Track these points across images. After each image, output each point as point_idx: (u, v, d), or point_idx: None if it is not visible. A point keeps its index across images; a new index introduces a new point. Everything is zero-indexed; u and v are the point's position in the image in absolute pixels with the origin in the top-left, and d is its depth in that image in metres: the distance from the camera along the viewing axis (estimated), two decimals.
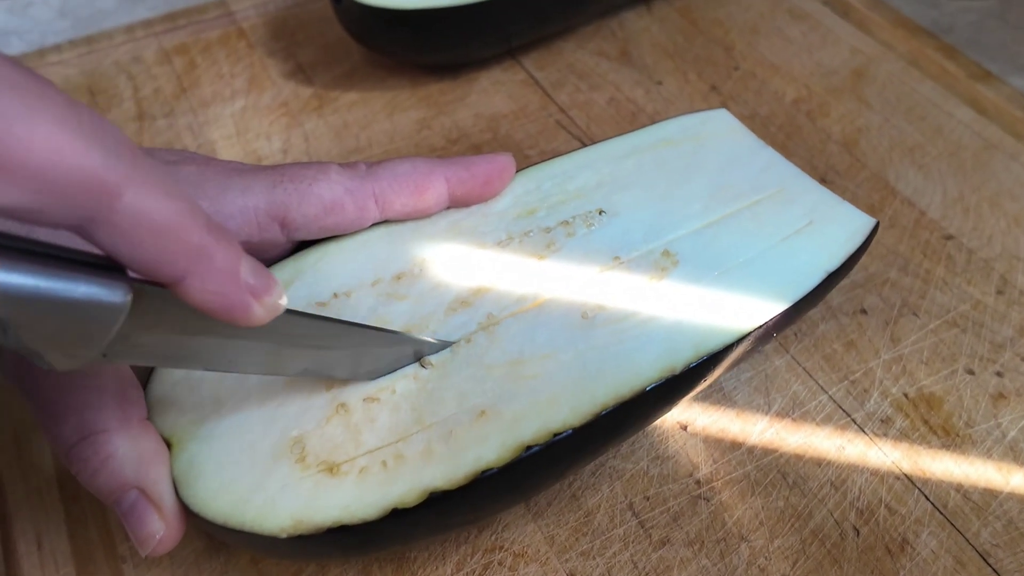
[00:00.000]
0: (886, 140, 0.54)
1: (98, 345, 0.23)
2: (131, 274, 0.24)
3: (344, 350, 0.32)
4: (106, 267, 0.23)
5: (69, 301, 0.22)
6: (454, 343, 0.35)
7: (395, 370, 0.34)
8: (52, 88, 0.21)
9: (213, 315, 0.25)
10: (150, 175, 0.22)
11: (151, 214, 0.22)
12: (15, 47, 0.67)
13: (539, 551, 0.36)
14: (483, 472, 0.31)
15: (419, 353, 0.34)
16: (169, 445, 0.32)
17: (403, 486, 0.30)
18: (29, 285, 0.21)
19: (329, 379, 0.34)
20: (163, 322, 0.25)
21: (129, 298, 0.23)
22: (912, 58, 0.60)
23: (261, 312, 0.25)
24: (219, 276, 0.24)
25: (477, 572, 0.36)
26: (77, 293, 0.22)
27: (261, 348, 0.29)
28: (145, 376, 0.34)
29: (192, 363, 0.28)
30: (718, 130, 0.44)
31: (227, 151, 0.54)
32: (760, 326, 0.36)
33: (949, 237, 0.48)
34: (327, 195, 0.35)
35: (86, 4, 0.71)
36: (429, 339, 0.34)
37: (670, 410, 0.38)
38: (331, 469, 0.31)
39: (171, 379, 0.34)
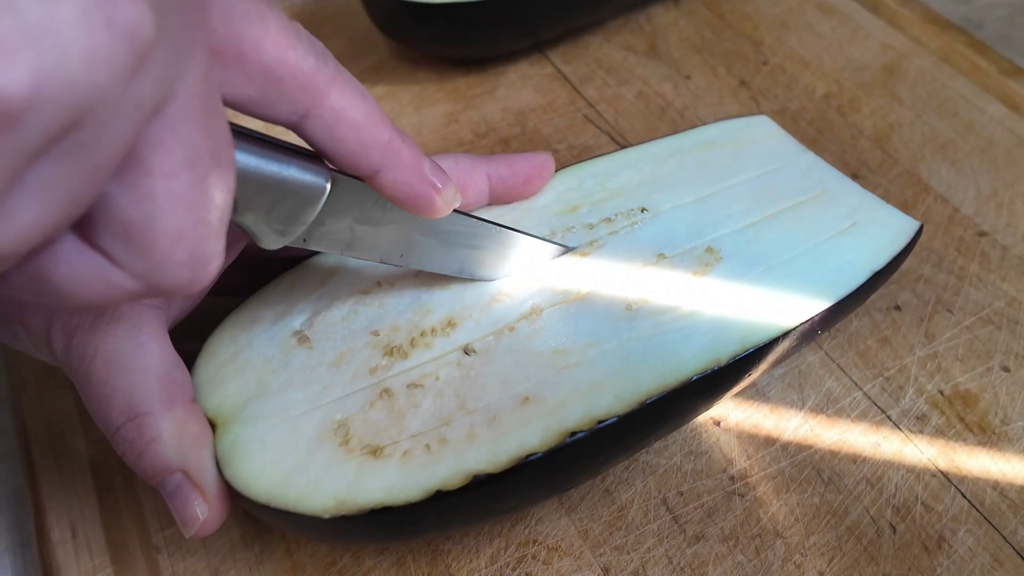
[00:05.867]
0: (918, 136, 0.54)
1: (304, 222, 0.28)
2: (329, 166, 0.28)
3: (490, 250, 0.36)
4: (310, 156, 0.28)
5: (282, 180, 0.27)
6: (574, 248, 0.38)
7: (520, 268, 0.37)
8: (271, 2, 0.25)
9: (402, 205, 0.30)
10: (347, 78, 0.27)
11: (350, 111, 0.27)
12: None
13: (573, 545, 0.36)
14: (527, 457, 0.31)
15: (542, 255, 0.38)
16: (214, 426, 0.32)
17: (446, 469, 0.30)
18: (253, 164, 0.26)
19: (473, 279, 0.37)
20: (350, 211, 0.30)
21: (329, 183, 0.28)
22: (943, 54, 0.59)
23: (441, 204, 0.30)
24: (407, 170, 0.29)
25: (511, 565, 0.36)
26: (288, 174, 0.27)
27: (428, 243, 0.34)
28: (191, 358, 0.34)
29: (370, 254, 0.33)
30: (759, 135, 0.44)
31: None
32: (806, 321, 0.36)
33: (983, 234, 0.48)
34: None
35: None
36: (558, 243, 0.38)
37: (712, 405, 0.38)
38: (374, 452, 0.31)
39: (217, 361, 0.34)
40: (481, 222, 0.35)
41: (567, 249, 0.38)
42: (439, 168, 0.30)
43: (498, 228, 0.35)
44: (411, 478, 0.30)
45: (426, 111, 0.57)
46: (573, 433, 0.31)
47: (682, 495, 0.38)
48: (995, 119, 0.55)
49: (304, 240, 0.30)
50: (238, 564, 0.36)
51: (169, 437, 0.30)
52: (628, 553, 0.36)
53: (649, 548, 0.36)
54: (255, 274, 0.37)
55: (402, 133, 0.29)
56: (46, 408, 0.41)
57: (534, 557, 0.36)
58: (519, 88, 0.58)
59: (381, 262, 0.33)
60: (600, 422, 0.32)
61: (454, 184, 0.30)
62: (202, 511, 0.30)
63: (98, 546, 0.37)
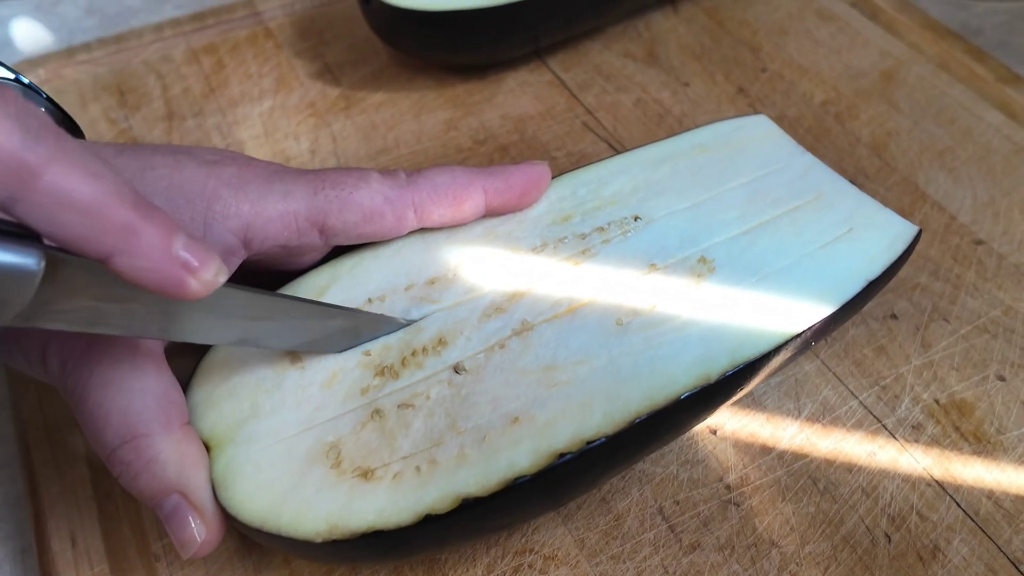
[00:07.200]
0: (916, 143, 0.54)
1: (13, 310, 0.24)
2: (48, 242, 0.24)
3: (280, 321, 0.32)
4: (21, 235, 0.24)
5: None
6: (416, 321, 0.35)
7: (363, 343, 0.35)
8: None
9: (147, 289, 0.25)
10: (73, 157, 0.23)
11: (72, 193, 0.23)
12: (44, 45, 0.67)
13: (569, 554, 0.36)
14: (516, 479, 0.31)
15: (379, 327, 0.35)
16: (208, 448, 0.32)
17: (436, 492, 0.31)
18: None
19: (267, 349, 0.34)
20: (87, 290, 0.26)
21: (43, 265, 0.24)
22: (941, 61, 0.59)
23: (196, 287, 0.25)
24: (150, 252, 0.25)
25: (507, 574, 0.36)
26: None
27: (193, 317, 0.29)
28: (186, 379, 0.34)
29: (121, 329, 0.28)
30: (755, 135, 0.44)
31: (255, 151, 0.55)
32: (798, 334, 0.36)
33: (979, 242, 0.48)
34: (367, 203, 0.35)
35: (113, 2, 0.71)
36: (384, 314, 0.35)
37: (705, 419, 0.38)
38: (366, 474, 0.31)
39: (211, 383, 0.34)
40: (263, 296, 0.31)
41: (405, 323, 0.35)
42: (198, 244, 0.26)
43: (283, 299, 0.32)
44: (402, 501, 0.30)
45: (425, 118, 0.57)
46: (562, 454, 0.31)
47: (678, 504, 0.38)
48: (993, 126, 0.55)
49: (27, 319, 0.25)
50: (236, 573, 0.36)
51: (167, 458, 0.30)
52: (624, 562, 0.36)
53: (645, 557, 0.36)
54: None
55: (148, 210, 0.25)
56: (47, 415, 0.42)
57: (530, 566, 0.36)
58: (518, 95, 0.58)
59: (137, 336, 0.29)
60: (589, 443, 0.32)
61: (217, 260, 0.26)
62: (199, 532, 0.31)
63: (97, 554, 0.37)
